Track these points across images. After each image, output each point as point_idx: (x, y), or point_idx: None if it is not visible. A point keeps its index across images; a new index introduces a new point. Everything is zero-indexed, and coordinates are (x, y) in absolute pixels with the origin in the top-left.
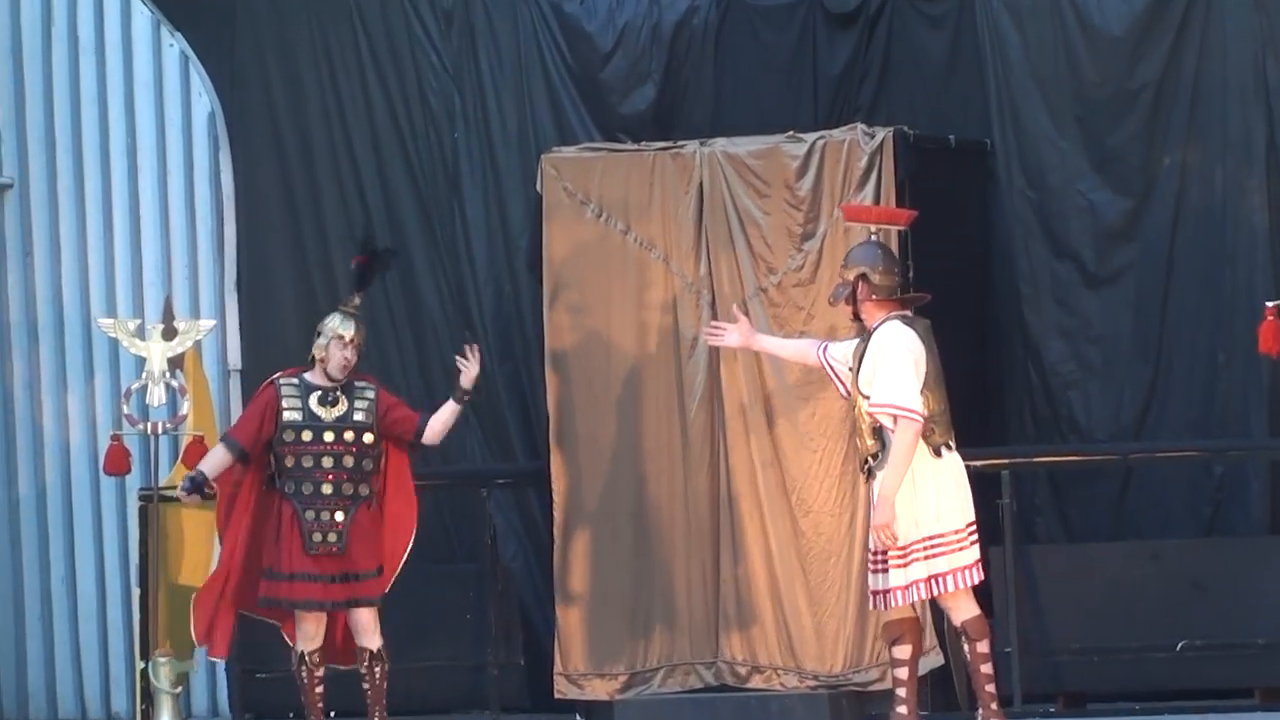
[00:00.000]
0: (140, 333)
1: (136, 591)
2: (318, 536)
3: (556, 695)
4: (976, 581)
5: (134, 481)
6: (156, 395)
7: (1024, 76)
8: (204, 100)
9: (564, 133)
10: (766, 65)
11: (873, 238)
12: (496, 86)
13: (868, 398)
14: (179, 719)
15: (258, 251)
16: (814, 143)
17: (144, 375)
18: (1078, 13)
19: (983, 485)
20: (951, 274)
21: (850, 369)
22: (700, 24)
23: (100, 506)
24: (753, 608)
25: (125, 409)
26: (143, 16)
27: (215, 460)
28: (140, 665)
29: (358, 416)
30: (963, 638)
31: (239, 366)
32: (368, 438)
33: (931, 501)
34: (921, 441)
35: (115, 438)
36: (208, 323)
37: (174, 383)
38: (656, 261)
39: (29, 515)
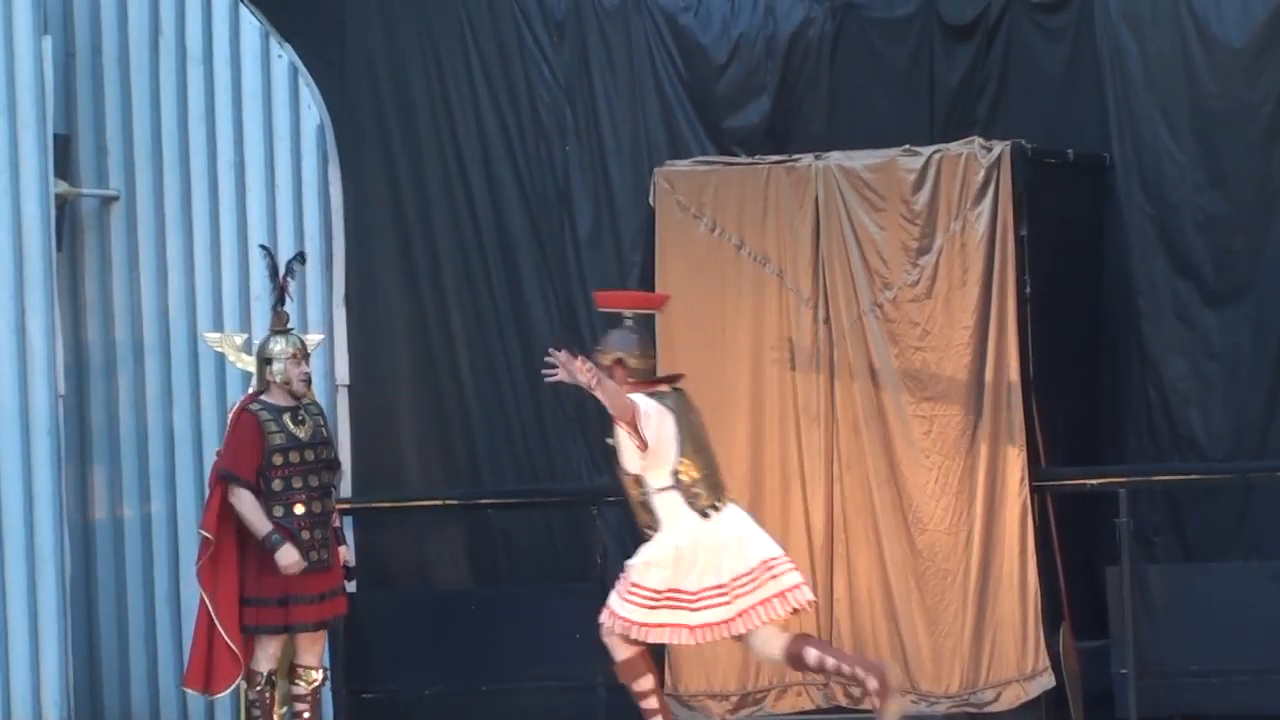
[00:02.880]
0: (247, 348)
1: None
2: (314, 555)
3: None
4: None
5: None
6: None
7: (1143, 89)
8: (313, 112)
9: (677, 146)
10: (882, 78)
11: (627, 323)
12: (609, 99)
13: (632, 475)
14: None
15: (366, 265)
16: (930, 156)
17: (251, 390)
18: (1198, 24)
19: (1100, 504)
20: (1068, 289)
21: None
22: (816, 35)
23: None
24: (867, 627)
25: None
26: (251, 27)
27: (253, 507)
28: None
29: (324, 432)
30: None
31: (346, 381)
32: (328, 452)
33: (698, 561)
34: (686, 506)
35: (220, 454)
36: (315, 337)
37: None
38: (771, 276)
39: (133, 535)
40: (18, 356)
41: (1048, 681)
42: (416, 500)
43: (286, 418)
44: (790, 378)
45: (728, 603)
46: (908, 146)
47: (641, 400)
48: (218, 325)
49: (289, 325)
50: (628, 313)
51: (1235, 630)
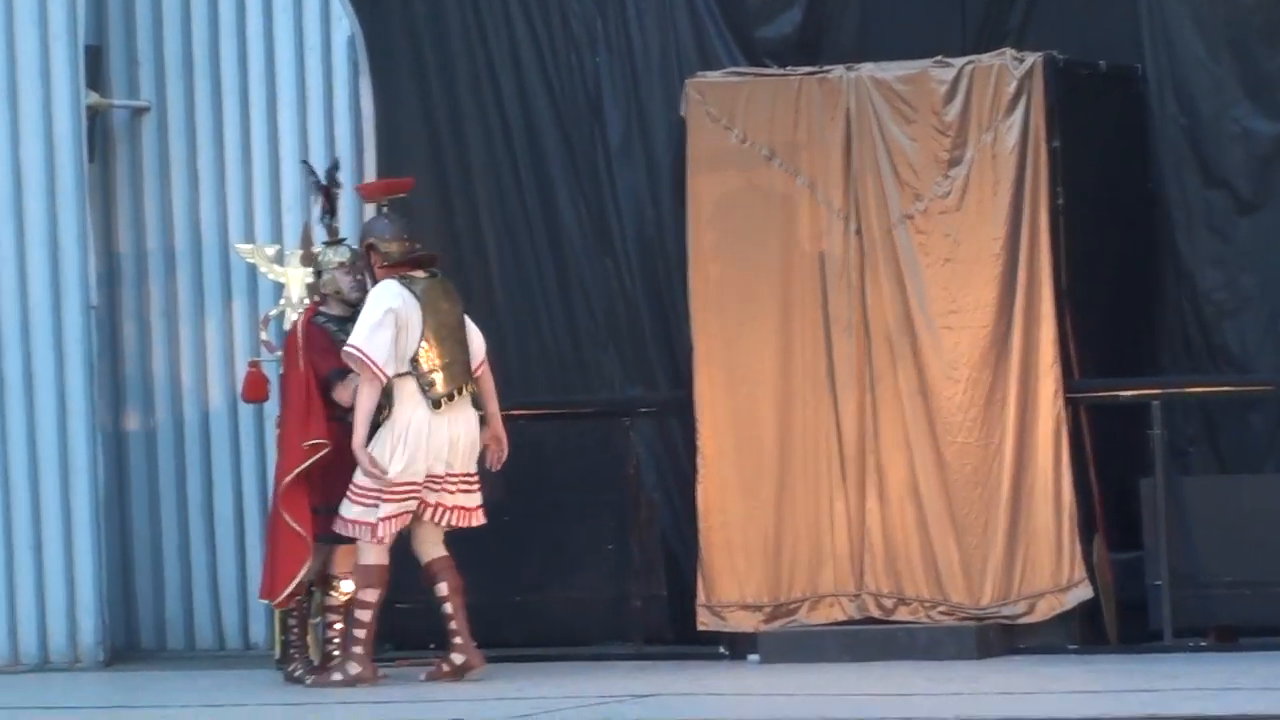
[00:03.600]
0: (279, 259)
1: None
2: None
3: (699, 627)
4: (453, 524)
5: (271, 409)
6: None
7: (1176, 1)
8: (344, 24)
9: (707, 57)
10: None
11: (383, 209)
12: (639, 9)
13: None
14: (319, 650)
15: (398, 172)
16: (962, 68)
17: (282, 301)
18: None
19: (1134, 417)
20: (1101, 202)
21: None
22: None
23: (239, 434)
24: (899, 539)
25: (263, 335)
26: None
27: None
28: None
29: None
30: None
31: None
32: None
33: (406, 454)
34: (419, 393)
35: (253, 364)
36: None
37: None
38: (802, 188)
39: (166, 444)
40: (50, 267)
41: (1084, 593)
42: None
43: (350, 326)
44: (821, 289)
45: (418, 494)
46: (939, 58)
47: (378, 292)
48: (249, 236)
49: (341, 236)
50: (383, 200)
51: (1269, 542)
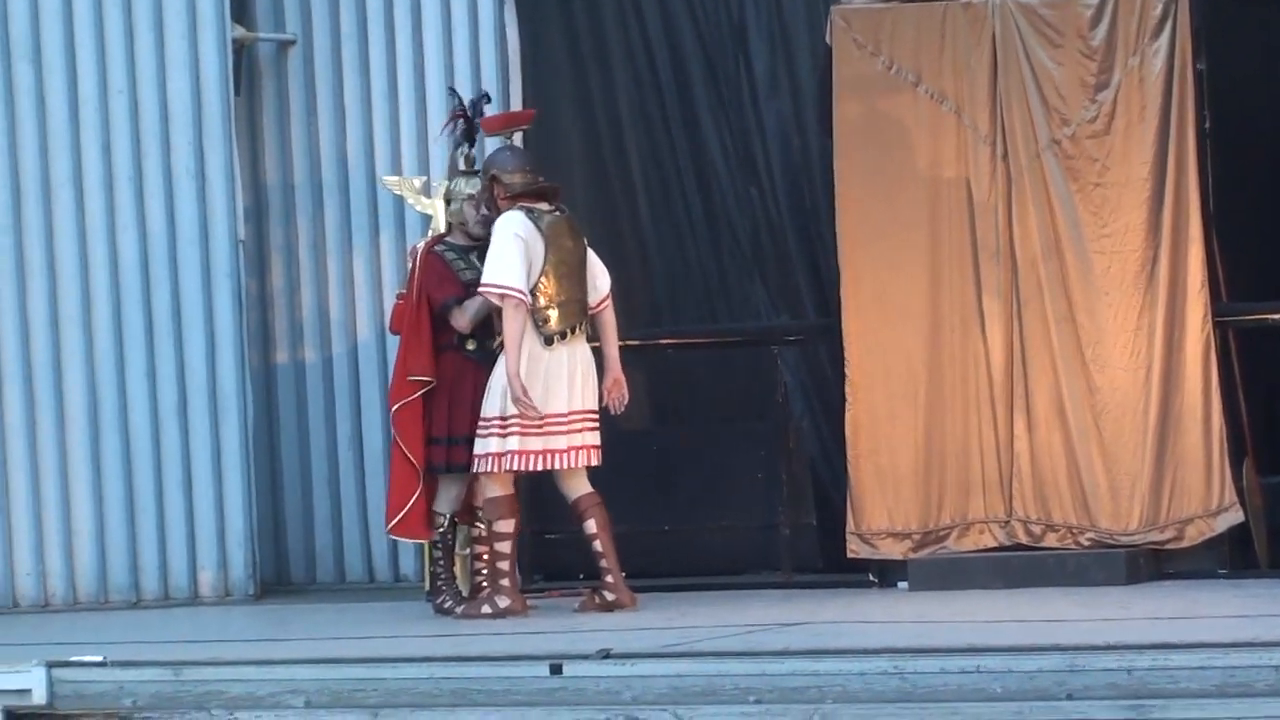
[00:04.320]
0: (426, 190)
1: None
2: None
3: (849, 555)
4: (571, 465)
5: None
6: None
7: None
8: None
9: None
10: None
11: (505, 140)
12: None
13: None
14: (467, 581)
15: (543, 109)
16: None
17: (430, 233)
18: None
19: None
20: (1249, 125)
21: None
22: None
23: (387, 366)
24: (1047, 465)
25: (411, 267)
26: None
27: (480, 308)
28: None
29: None
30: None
31: None
32: None
33: (536, 386)
34: (533, 328)
35: (401, 296)
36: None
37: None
38: (948, 114)
39: (314, 377)
40: (198, 201)
41: (1235, 517)
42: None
43: (473, 257)
44: (968, 215)
45: (543, 433)
46: None
47: (505, 222)
48: (395, 168)
49: (475, 167)
50: (503, 132)
51: None
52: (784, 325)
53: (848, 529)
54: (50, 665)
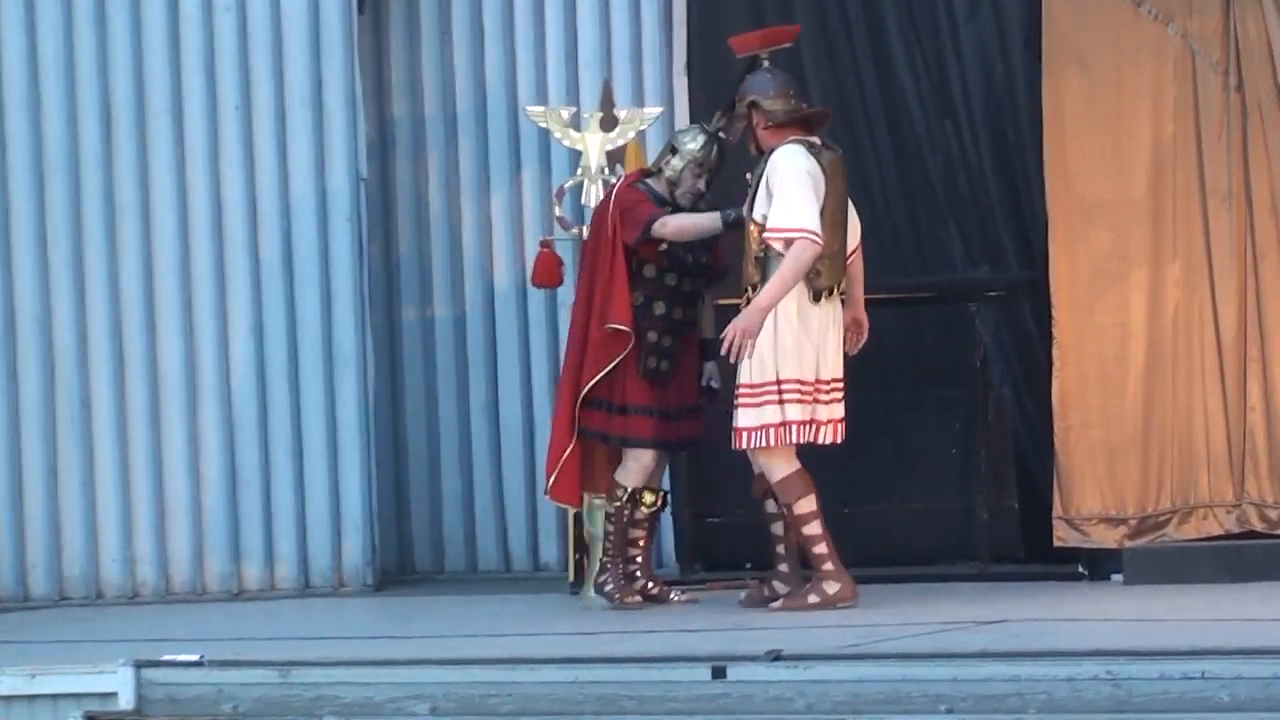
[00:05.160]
0: (575, 122)
1: None
2: (652, 363)
3: (1055, 543)
4: (830, 441)
5: (566, 295)
6: (594, 194)
7: None
8: None
9: None
10: None
11: (764, 63)
12: None
13: (757, 224)
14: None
15: (711, 26)
16: None
17: (579, 171)
18: None
19: None
20: None
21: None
22: None
23: (528, 325)
24: None
25: (557, 210)
26: None
27: (690, 218)
28: (574, 510)
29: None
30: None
31: None
32: (708, 258)
33: (795, 346)
34: (802, 282)
35: (545, 244)
36: (653, 110)
37: (614, 180)
38: (1175, 39)
39: (445, 335)
40: (315, 134)
41: None
42: None
43: (670, 209)
44: (1197, 154)
45: (825, 401)
46: None
47: (792, 156)
48: (541, 98)
49: (721, 131)
50: (763, 53)
51: None
52: (983, 278)
53: (1054, 513)
54: (139, 665)
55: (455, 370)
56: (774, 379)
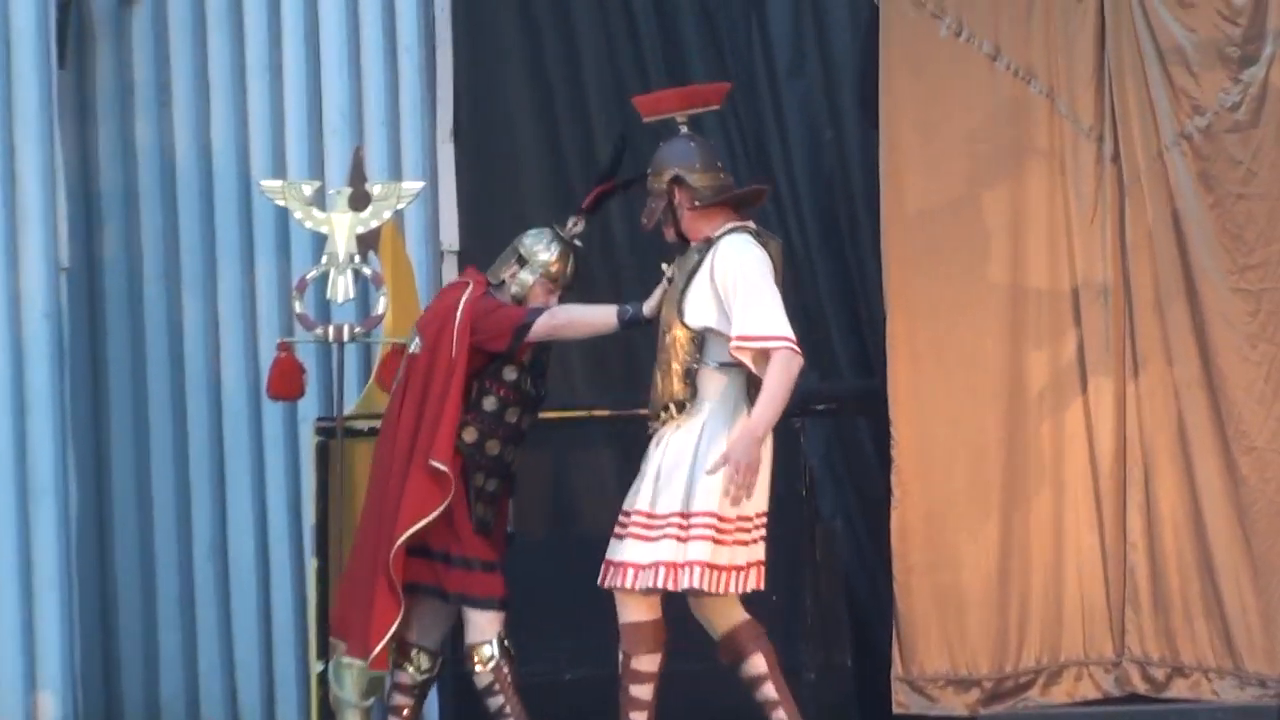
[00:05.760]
0: (319, 200)
1: (313, 564)
2: (481, 510)
3: (895, 709)
4: (753, 588)
5: (308, 409)
6: (341, 287)
7: None
8: None
9: None
10: None
11: (682, 129)
12: None
13: (689, 329)
14: None
15: (483, 88)
16: None
17: (324, 259)
18: None
19: None
20: None
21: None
22: None
23: (262, 444)
24: (1172, 583)
25: (298, 307)
26: None
27: (581, 309)
28: (317, 667)
29: (543, 364)
30: (733, 652)
31: (455, 247)
32: (544, 390)
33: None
34: (743, 395)
35: (284, 346)
36: (414, 185)
37: (366, 269)
38: (1039, 98)
39: (163, 457)
40: (4, 213)
41: None
42: None
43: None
44: (1065, 236)
45: (745, 542)
46: None
47: (745, 249)
48: (279, 170)
49: (575, 239)
50: (680, 116)
51: None
52: (810, 388)
53: (894, 673)
54: None
55: (176, 500)
56: (678, 510)
